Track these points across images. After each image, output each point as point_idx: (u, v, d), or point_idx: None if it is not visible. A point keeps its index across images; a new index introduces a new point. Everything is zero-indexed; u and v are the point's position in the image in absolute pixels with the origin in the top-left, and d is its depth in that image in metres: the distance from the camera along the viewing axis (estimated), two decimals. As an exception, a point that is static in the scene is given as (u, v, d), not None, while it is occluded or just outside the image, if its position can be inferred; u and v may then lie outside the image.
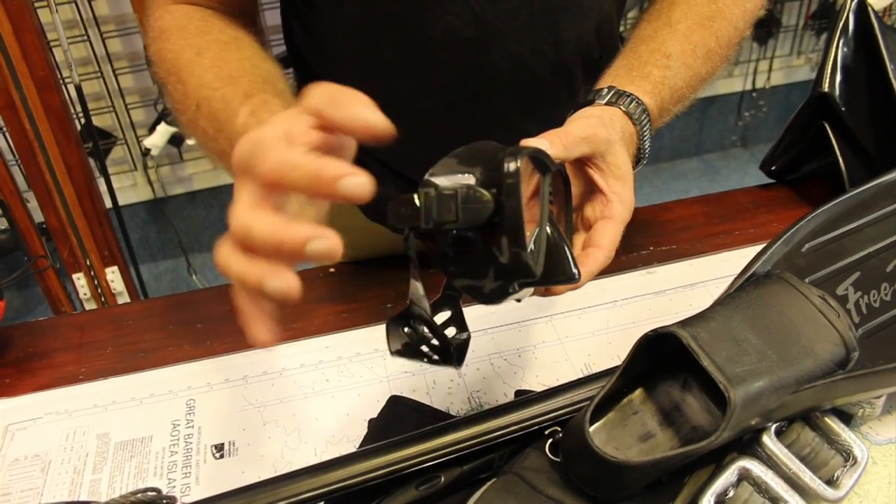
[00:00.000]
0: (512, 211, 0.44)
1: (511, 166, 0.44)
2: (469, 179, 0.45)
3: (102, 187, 1.91)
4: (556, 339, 0.76)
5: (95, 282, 1.84)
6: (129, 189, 2.14)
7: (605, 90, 0.59)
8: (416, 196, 0.44)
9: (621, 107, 0.58)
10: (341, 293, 0.82)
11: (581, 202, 0.56)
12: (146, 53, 0.71)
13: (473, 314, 0.75)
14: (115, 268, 1.84)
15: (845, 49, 0.89)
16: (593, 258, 0.53)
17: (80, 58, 1.89)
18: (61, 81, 1.74)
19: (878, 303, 0.65)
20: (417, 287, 0.49)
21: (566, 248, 0.50)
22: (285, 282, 0.38)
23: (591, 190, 0.55)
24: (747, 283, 0.63)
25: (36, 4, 1.68)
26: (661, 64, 0.62)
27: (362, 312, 0.79)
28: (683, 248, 0.87)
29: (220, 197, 2.27)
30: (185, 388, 0.72)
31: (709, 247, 0.87)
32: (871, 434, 0.64)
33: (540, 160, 0.49)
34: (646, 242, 0.88)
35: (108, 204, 1.94)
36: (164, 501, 0.56)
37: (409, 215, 0.44)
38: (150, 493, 0.56)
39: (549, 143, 0.51)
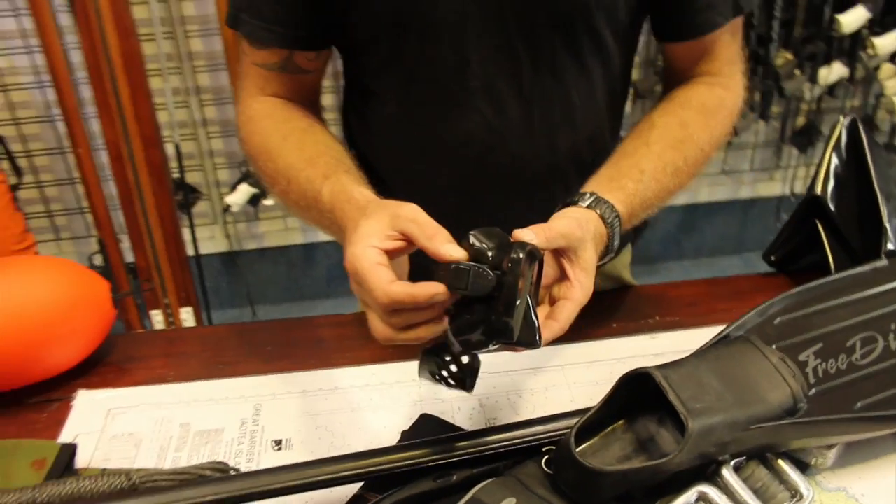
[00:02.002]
0: (509, 291, 0.61)
1: (515, 259, 0.61)
2: (484, 256, 0.62)
3: (186, 236, 2.13)
4: (566, 384, 0.89)
5: (170, 319, 2.03)
6: (209, 240, 2.36)
7: (588, 195, 0.75)
8: (440, 269, 0.61)
9: (597, 211, 0.74)
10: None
11: (551, 282, 0.71)
12: (237, 127, 0.91)
13: (499, 358, 0.90)
14: (190, 308, 2.04)
15: (837, 159, 1.03)
16: (550, 328, 0.68)
17: (181, 120, 2.14)
18: (163, 140, 1.99)
19: (833, 370, 0.77)
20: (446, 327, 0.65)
21: (536, 321, 0.65)
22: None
23: (562, 275, 0.70)
24: (719, 341, 0.76)
25: (149, 72, 1.94)
26: (636, 178, 0.78)
27: (404, 349, 0.94)
28: (685, 321, 0.99)
29: (288, 255, 2.47)
30: (254, 395, 0.88)
31: (708, 321, 0.99)
32: (823, 482, 0.75)
33: (533, 252, 0.65)
34: (653, 313, 1.01)
35: (190, 252, 2.15)
36: (231, 471, 0.71)
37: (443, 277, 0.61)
38: (219, 464, 0.72)
39: (535, 235, 0.66)
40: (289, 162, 0.82)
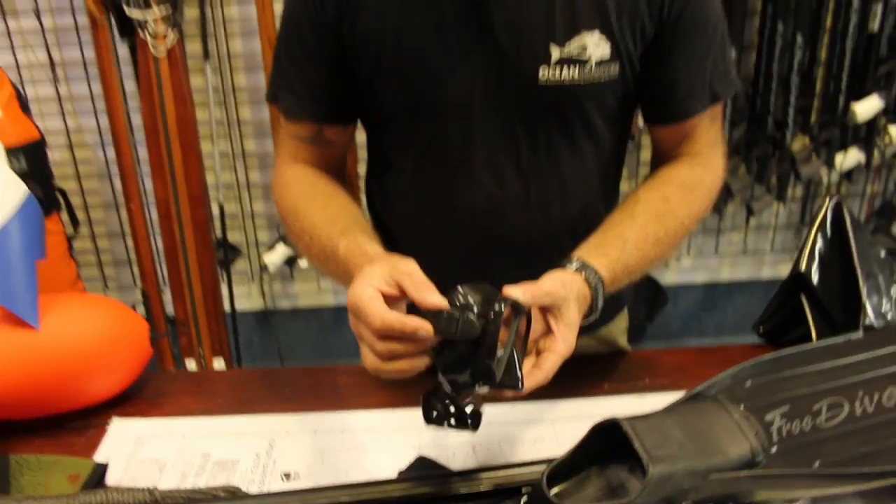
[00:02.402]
0: (491, 338, 0.71)
1: (497, 311, 0.71)
2: (470, 309, 0.71)
3: (224, 292, 2.26)
4: (555, 437, 0.96)
5: (203, 368, 2.14)
6: (245, 297, 2.48)
7: (575, 261, 0.84)
8: (433, 315, 0.72)
9: (582, 275, 0.83)
10: (393, 383, 1.06)
11: (538, 336, 0.80)
12: (272, 189, 1.05)
13: (495, 410, 0.97)
14: (222, 359, 2.15)
15: (822, 238, 1.10)
16: (535, 377, 0.76)
17: (226, 182, 2.30)
18: (209, 200, 2.13)
19: (797, 431, 0.83)
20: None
21: (518, 366, 0.74)
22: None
23: (547, 329, 0.79)
24: (689, 399, 0.83)
25: (201, 136, 2.10)
26: (619, 246, 0.87)
27: (409, 398, 1.02)
28: (673, 384, 1.06)
29: (320, 316, 2.58)
30: (269, 431, 0.97)
31: (695, 385, 1.06)
32: (788, 537, 0.81)
33: (516, 305, 0.74)
34: (643, 375, 1.07)
35: (227, 307, 2.27)
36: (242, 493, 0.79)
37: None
38: (232, 487, 0.81)
39: (523, 292, 0.76)
40: (312, 221, 0.94)
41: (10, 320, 0.97)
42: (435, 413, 0.78)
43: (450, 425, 0.78)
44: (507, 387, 0.75)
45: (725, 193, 2.17)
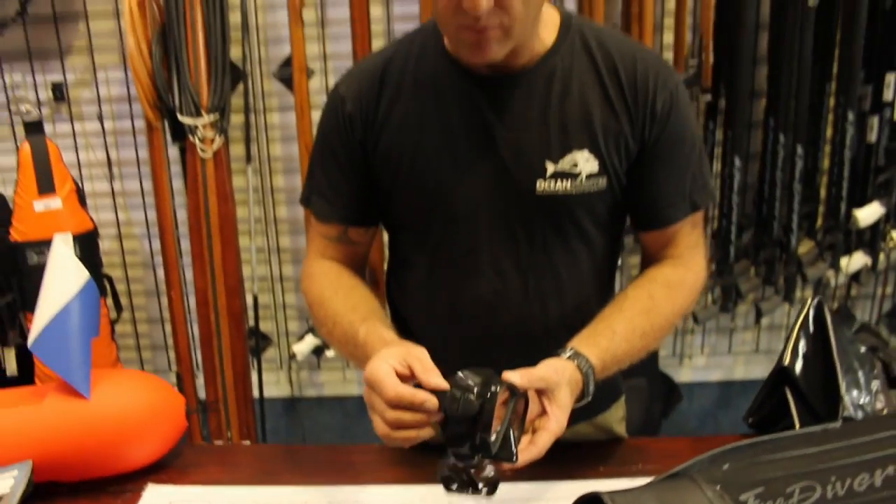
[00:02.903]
0: (487, 416, 0.82)
1: (493, 391, 0.82)
2: (470, 390, 0.82)
3: (254, 378, 2.36)
4: (554, 514, 1.04)
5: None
6: (274, 385, 2.58)
7: (569, 350, 0.95)
8: (439, 394, 0.83)
9: (575, 362, 0.93)
10: (406, 460, 1.15)
11: (534, 417, 0.90)
12: (301, 280, 1.18)
13: (500, 489, 1.05)
14: (248, 442, 2.24)
15: (804, 335, 1.19)
16: (529, 452, 0.87)
17: (261, 275, 2.44)
18: (244, 291, 2.27)
19: (770, 511, 0.90)
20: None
21: (513, 441, 0.85)
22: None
23: (542, 411, 0.90)
24: (668, 477, 0.91)
25: (239, 232, 2.26)
26: (609, 337, 0.98)
27: (422, 475, 1.10)
28: (665, 469, 1.11)
29: (344, 405, 2.66)
30: (289, 502, 1.05)
31: (686, 470, 1.13)
32: None
33: (513, 388, 0.85)
34: (637, 461, 1.15)
35: (256, 394, 2.37)
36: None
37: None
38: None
39: (520, 377, 0.87)
40: (335, 309, 1.07)
41: (64, 390, 1.09)
42: (451, 480, 0.89)
43: (464, 491, 0.89)
44: (503, 459, 0.85)
45: (735, 295, 2.26)
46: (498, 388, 0.83)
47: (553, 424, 0.89)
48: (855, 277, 2.34)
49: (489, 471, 0.90)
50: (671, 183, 1.05)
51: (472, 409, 0.82)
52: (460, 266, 1.08)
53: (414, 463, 1.12)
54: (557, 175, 1.01)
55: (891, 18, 2.02)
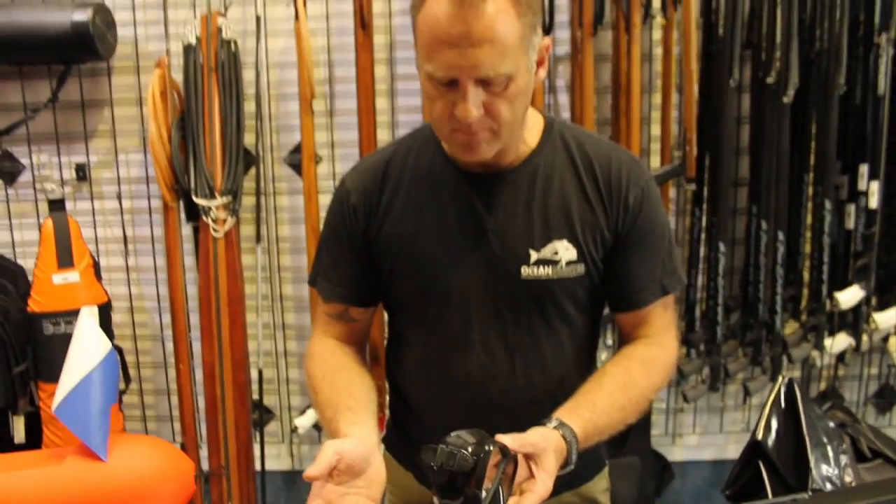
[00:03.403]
0: (480, 471, 0.90)
1: (487, 450, 0.90)
2: (466, 448, 0.90)
3: (256, 451, 2.42)
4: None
5: (231, 523, 2.26)
6: (275, 458, 2.63)
7: (554, 420, 1.03)
8: (437, 449, 0.90)
9: (560, 431, 1.01)
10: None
11: (522, 481, 0.97)
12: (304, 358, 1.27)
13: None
14: (249, 514, 2.27)
15: (776, 411, 1.27)
16: None
17: (266, 350, 2.52)
18: (249, 365, 2.35)
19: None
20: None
21: (502, 499, 0.93)
22: None
23: (530, 474, 0.97)
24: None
25: (247, 308, 2.35)
26: (590, 409, 1.06)
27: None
28: None
29: (343, 477, 2.70)
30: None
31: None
32: None
33: (505, 450, 0.93)
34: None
35: (257, 466, 2.42)
36: None
37: (429, 457, 0.90)
38: None
39: (512, 440, 0.94)
40: (324, 397, 1.14)
41: (84, 452, 1.17)
42: None
43: None
44: None
45: (724, 374, 2.33)
46: (491, 447, 0.91)
47: (539, 487, 0.96)
48: (841, 358, 2.41)
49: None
50: (643, 269, 1.15)
51: (467, 465, 0.90)
52: (453, 343, 1.17)
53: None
54: (540, 262, 1.11)
55: (861, 113, 2.16)
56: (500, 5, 0.96)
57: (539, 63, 1.06)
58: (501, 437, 0.94)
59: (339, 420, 1.05)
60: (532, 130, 1.15)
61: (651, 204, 1.14)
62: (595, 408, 1.08)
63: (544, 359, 1.17)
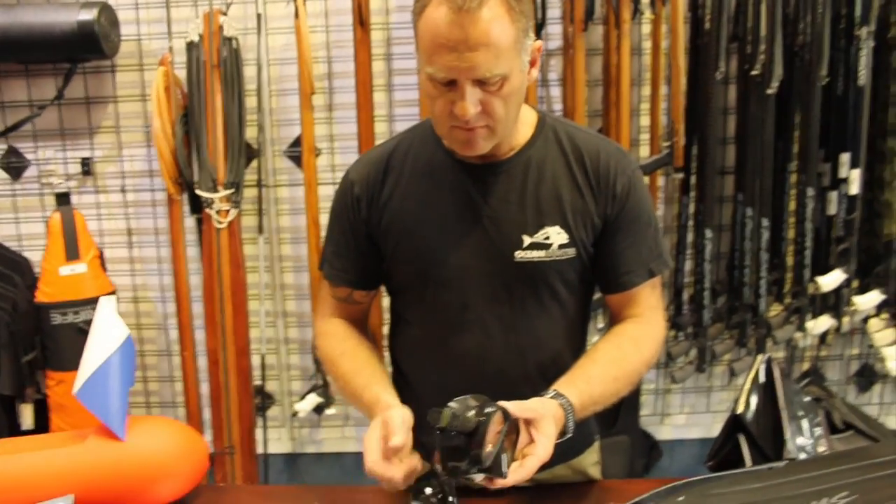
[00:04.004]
0: (483, 430, 0.98)
1: (488, 411, 0.98)
2: (469, 410, 0.98)
3: (258, 435, 2.50)
4: (532, 543, 1.18)
5: (236, 505, 2.34)
6: (276, 441, 2.71)
7: (551, 391, 1.12)
8: (442, 412, 0.98)
9: (557, 401, 1.10)
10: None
11: (523, 446, 1.06)
12: (314, 336, 1.36)
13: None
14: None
15: (755, 388, 1.35)
16: (519, 473, 1.03)
17: (268, 337, 2.60)
18: (251, 352, 2.43)
19: (717, 534, 1.05)
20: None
21: (504, 459, 1.01)
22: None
23: (530, 440, 1.05)
24: (630, 504, 1.06)
25: (249, 297, 2.43)
26: (585, 381, 1.15)
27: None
28: None
29: (342, 461, 2.78)
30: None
31: (653, 506, 1.27)
32: None
33: (506, 413, 1.01)
34: (609, 499, 1.29)
35: (260, 450, 2.50)
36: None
37: (435, 419, 0.97)
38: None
39: (512, 406, 1.03)
40: (343, 370, 1.26)
41: (103, 432, 1.24)
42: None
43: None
44: (495, 475, 1.01)
45: (711, 356, 2.42)
46: (495, 408, 0.99)
47: (540, 450, 1.04)
48: (823, 339, 2.50)
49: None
50: (631, 252, 1.23)
51: (470, 425, 0.98)
52: (450, 323, 1.25)
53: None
54: (533, 246, 1.20)
55: (842, 103, 2.24)
56: (495, 12, 1.04)
57: (531, 63, 1.14)
58: (503, 403, 1.03)
59: (375, 389, 1.18)
60: (526, 125, 1.23)
61: (637, 192, 1.22)
62: (590, 380, 1.16)
63: (538, 337, 1.24)
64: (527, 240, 1.20)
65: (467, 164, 1.22)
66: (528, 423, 1.06)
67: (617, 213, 1.21)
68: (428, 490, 1.06)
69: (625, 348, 1.22)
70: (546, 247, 1.20)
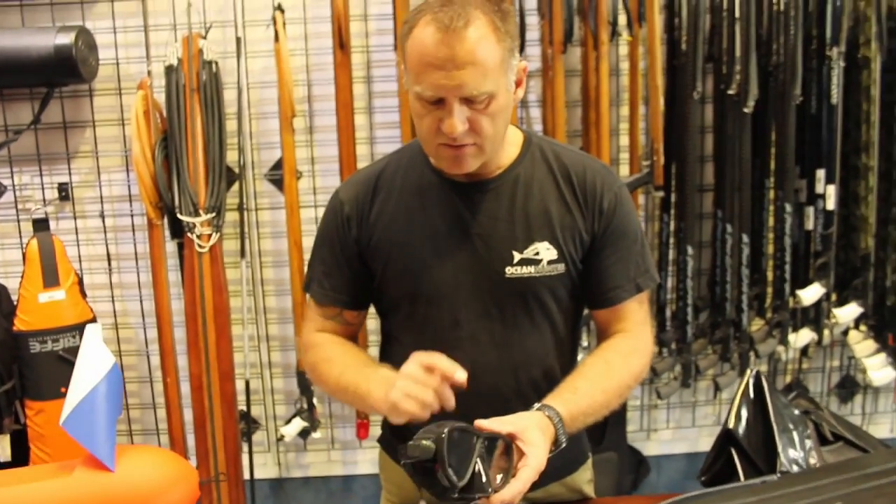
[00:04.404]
0: (442, 456, 0.97)
1: (442, 435, 0.98)
2: (426, 437, 0.99)
3: (244, 461, 2.46)
4: (529, 563, 1.18)
5: (222, 533, 2.30)
6: (262, 466, 2.67)
7: (538, 404, 1.12)
8: (407, 444, 1.00)
9: (544, 412, 1.10)
10: None
11: (517, 461, 1.05)
12: (299, 354, 1.35)
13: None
14: (239, 524, 2.32)
15: (745, 402, 1.36)
16: (513, 486, 1.02)
17: (252, 361, 2.57)
18: (236, 377, 2.40)
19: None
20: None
21: (483, 475, 1.00)
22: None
23: (521, 453, 1.05)
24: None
25: (232, 321, 2.40)
26: (572, 392, 1.15)
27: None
28: None
29: (329, 484, 2.75)
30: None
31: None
32: None
33: (469, 432, 1.01)
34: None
35: (246, 475, 2.47)
36: None
37: (402, 455, 1.00)
38: None
39: (490, 423, 1.03)
40: (337, 370, 1.25)
41: (91, 463, 1.22)
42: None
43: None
44: (478, 492, 1.01)
45: (695, 371, 2.44)
46: (445, 431, 0.99)
47: (531, 460, 1.03)
48: (804, 352, 2.53)
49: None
50: (618, 268, 1.24)
51: (428, 452, 0.98)
52: (442, 341, 1.24)
53: None
54: (523, 262, 1.21)
55: (817, 121, 2.29)
56: (481, 32, 1.07)
57: (517, 83, 1.16)
58: (480, 422, 1.03)
59: (368, 373, 1.19)
60: (512, 144, 1.24)
61: (624, 208, 1.24)
62: (577, 391, 1.16)
63: (529, 353, 1.25)
64: (517, 256, 1.21)
65: (456, 182, 1.23)
66: (513, 437, 1.05)
67: (604, 228, 1.23)
68: None
69: (613, 362, 1.22)
70: (536, 262, 1.21)
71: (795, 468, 1.29)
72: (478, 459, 1.00)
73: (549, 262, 1.21)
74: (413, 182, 1.26)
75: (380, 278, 1.28)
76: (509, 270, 1.21)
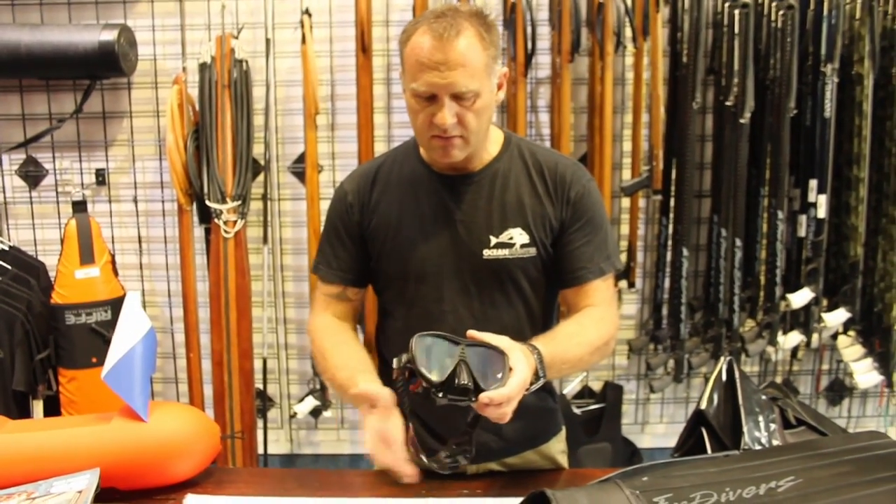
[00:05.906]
0: (412, 356, 1.13)
1: (453, 351, 1.13)
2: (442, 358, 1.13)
3: (258, 437, 2.62)
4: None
5: None
6: (274, 443, 2.83)
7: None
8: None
9: (525, 346, 1.21)
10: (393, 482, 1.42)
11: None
12: (308, 331, 1.51)
13: None
14: (252, 493, 2.47)
15: (718, 386, 1.49)
16: (501, 390, 1.12)
17: (269, 342, 2.73)
18: (254, 354, 2.56)
19: (675, 510, 1.19)
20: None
21: (471, 382, 1.12)
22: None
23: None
24: (598, 482, 1.20)
25: (253, 303, 2.56)
26: (550, 339, 1.27)
27: (410, 491, 1.37)
28: None
29: (338, 462, 2.90)
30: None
31: (623, 491, 1.40)
32: (665, 583, 1.14)
33: (452, 341, 1.15)
34: (577, 483, 1.42)
35: (260, 450, 2.62)
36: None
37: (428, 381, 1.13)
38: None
39: (484, 335, 1.16)
40: (332, 363, 1.40)
41: (127, 414, 1.37)
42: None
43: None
44: (461, 393, 1.13)
45: (688, 367, 2.56)
46: (417, 336, 1.15)
47: (517, 373, 1.14)
48: (794, 354, 2.65)
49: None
50: (583, 251, 1.39)
51: (408, 356, 1.14)
52: (427, 315, 1.41)
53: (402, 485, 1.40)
54: (499, 245, 1.38)
55: (810, 133, 2.40)
56: (469, 40, 1.27)
57: (499, 86, 1.36)
58: (471, 332, 1.17)
59: (357, 378, 1.30)
60: (494, 143, 1.43)
61: (590, 198, 1.40)
62: (555, 337, 1.30)
63: (505, 327, 1.36)
64: (493, 240, 1.38)
65: (443, 175, 1.41)
66: (499, 351, 1.16)
67: (570, 216, 1.39)
68: (442, 453, 1.20)
69: (584, 324, 1.36)
70: (510, 246, 1.37)
71: (758, 447, 1.42)
72: (462, 364, 1.13)
73: (522, 246, 1.38)
74: (406, 175, 1.44)
75: (376, 258, 1.45)
76: (486, 253, 1.38)
